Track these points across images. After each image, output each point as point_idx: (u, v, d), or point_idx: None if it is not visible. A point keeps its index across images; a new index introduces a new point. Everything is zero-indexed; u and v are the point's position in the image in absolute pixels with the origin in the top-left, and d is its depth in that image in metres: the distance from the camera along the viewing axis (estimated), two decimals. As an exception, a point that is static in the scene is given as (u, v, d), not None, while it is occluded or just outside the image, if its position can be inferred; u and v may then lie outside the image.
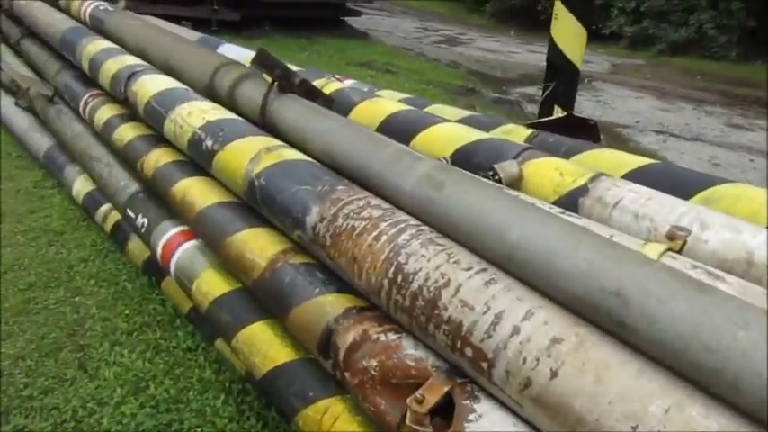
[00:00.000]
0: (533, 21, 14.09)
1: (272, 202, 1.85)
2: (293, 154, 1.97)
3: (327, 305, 1.62)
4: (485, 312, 1.21)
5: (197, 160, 2.34)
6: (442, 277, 1.32)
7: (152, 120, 2.66)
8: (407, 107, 2.70)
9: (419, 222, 1.53)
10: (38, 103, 4.34)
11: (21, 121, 4.47)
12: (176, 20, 8.89)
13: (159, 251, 2.45)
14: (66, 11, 4.63)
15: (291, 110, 2.17)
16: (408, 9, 17.93)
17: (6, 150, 4.42)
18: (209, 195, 2.24)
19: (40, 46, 4.86)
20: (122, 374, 2.24)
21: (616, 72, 10.87)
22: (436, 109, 3.12)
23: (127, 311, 2.62)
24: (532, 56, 10.89)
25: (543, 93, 5.65)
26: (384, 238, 1.48)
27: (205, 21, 10.44)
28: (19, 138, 4.41)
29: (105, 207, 3.21)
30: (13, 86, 5.53)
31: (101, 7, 4.15)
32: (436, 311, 1.29)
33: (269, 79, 2.30)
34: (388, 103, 2.77)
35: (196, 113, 2.36)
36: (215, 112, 2.33)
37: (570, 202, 1.82)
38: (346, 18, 12.20)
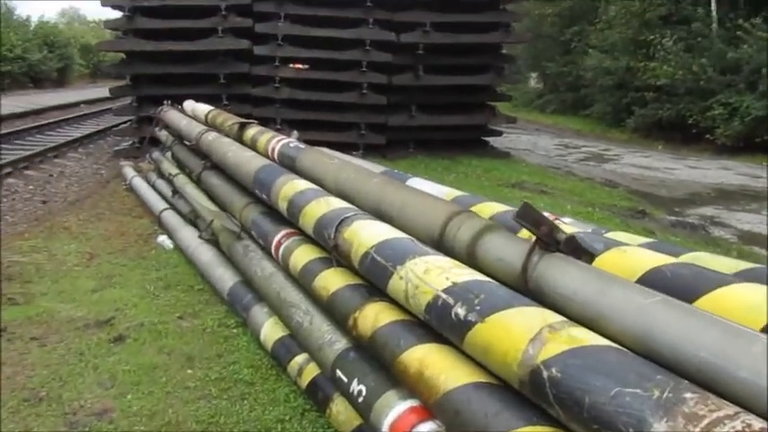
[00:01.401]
0: (683, 134, 13.36)
1: (576, 406, 1.43)
2: (590, 336, 1.56)
3: None
4: None
5: (439, 329, 1.99)
6: None
7: (371, 273, 2.40)
8: (671, 259, 2.25)
9: None
10: (222, 237, 4.38)
11: (204, 254, 4.51)
12: (326, 146, 9.23)
13: (385, 430, 2.08)
14: (251, 146, 4.78)
15: (568, 275, 1.79)
16: (543, 126, 17.87)
17: (189, 283, 4.43)
18: (458, 373, 1.87)
19: (224, 179, 5.03)
20: None
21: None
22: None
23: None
24: (694, 172, 10.12)
25: None
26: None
27: (352, 145, 10.87)
28: (201, 271, 4.42)
29: (300, 358, 2.95)
30: (191, 216, 5.77)
31: (291, 144, 4.18)
32: None
33: (524, 233, 1.97)
34: (642, 253, 2.33)
35: (435, 271, 2.05)
36: (460, 272, 2.01)
37: None
38: (487, 138, 12.19)
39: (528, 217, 1.90)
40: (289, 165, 3.96)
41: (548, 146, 13.80)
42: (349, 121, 10.92)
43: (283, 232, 3.46)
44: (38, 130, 11.92)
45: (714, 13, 13.64)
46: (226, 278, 4.05)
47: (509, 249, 2.02)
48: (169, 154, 7.62)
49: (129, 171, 7.74)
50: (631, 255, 2.32)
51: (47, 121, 13.08)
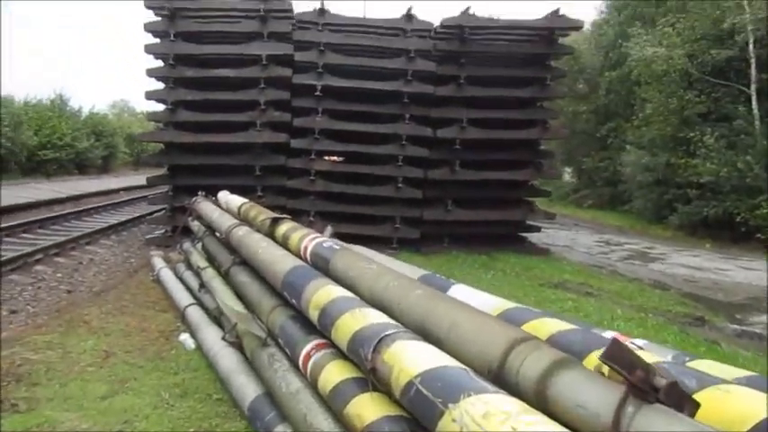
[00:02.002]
0: (731, 232, 12.79)
1: None
2: None
3: None
4: None
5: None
6: None
7: (416, 408, 2.01)
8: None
9: None
10: (247, 341, 4.02)
11: (226, 358, 4.14)
12: (360, 239, 8.99)
13: None
14: (283, 244, 4.52)
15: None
16: (581, 221, 17.47)
17: (207, 390, 4.04)
18: None
19: (253, 277, 4.75)
20: None
21: None
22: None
23: None
24: (750, 274, 9.51)
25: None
26: None
27: (386, 238, 10.63)
28: (222, 377, 4.04)
29: (328, 497, 2.51)
30: (216, 313, 5.47)
31: (325, 244, 3.90)
32: None
33: (607, 368, 1.58)
34: (748, 396, 1.90)
35: (496, 416, 1.65)
36: (530, 420, 1.60)
37: None
38: (525, 234, 11.83)
39: (619, 358, 1.52)
40: (322, 267, 3.65)
41: (588, 242, 13.34)
42: (384, 214, 10.75)
43: (313, 343, 3.11)
44: (75, 216, 12.03)
45: (756, 111, 13.43)
46: (248, 390, 3.65)
47: (592, 393, 1.63)
48: (200, 245, 7.45)
49: (157, 261, 7.56)
50: (737, 397, 1.89)
51: (85, 207, 13.25)
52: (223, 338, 4.40)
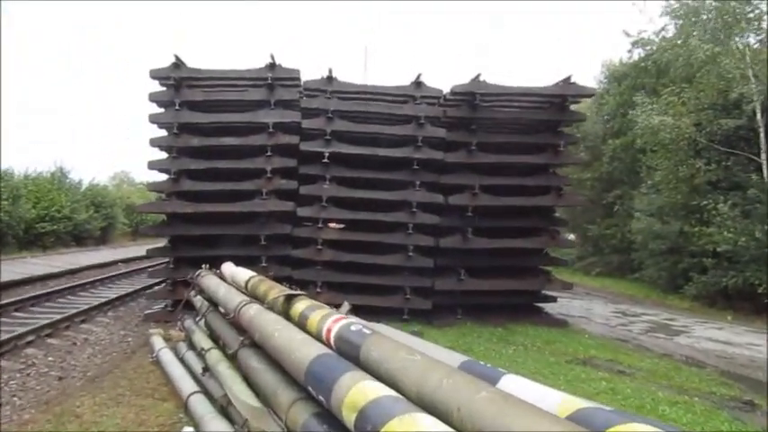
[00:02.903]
0: (754, 304, 12.30)
1: None
2: None
3: None
4: None
5: None
6: None
7: None
8: None
9: None
10: (261, 442, 3.51)
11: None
12: (369, 310, 8.47)
13: None
14: (300, 325, 4.05)
15: None
16: (591, 290, 16.96)
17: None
18: None
19: (267, 363, 4.25)
20: None
21: None
22: None
23: None
24: (785, 349, 8.95)
25: None
26: None
27: (397, 310, 10.11)
28: (232, 486, 3.50)
29: None
30: (224, 402, 4.92)
31: (352, 327, 3.43)
32: None
33: None
34: None
35: None
36: None
37: None
38: (541, 304, 11.33)
39: None
40: (351, 354, 3.18)
41: (604, 313, 12.80)
42: (394, 284, 10.27)
43: None
44: (70, 291, 11.49)
45: (768, 179, 13.22)
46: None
47: None
48: (203, 322, 6.95)
49: (156, 341, 7.02)
50: None
51: (80, 282, 12.73)
52: (233, 437, 3.87)
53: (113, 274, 14.62)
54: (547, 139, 10.49)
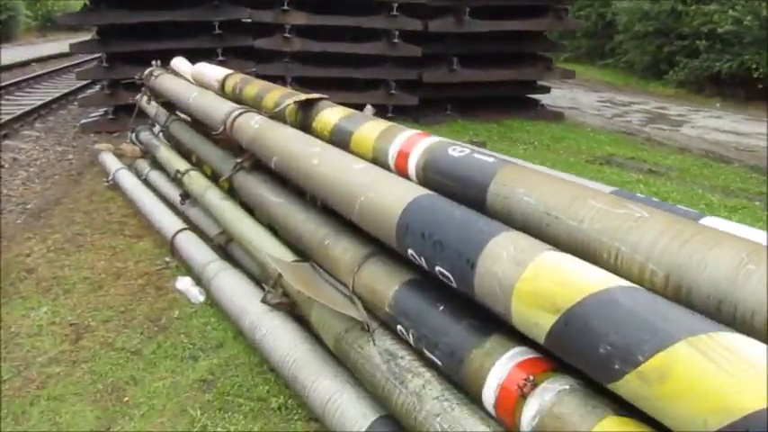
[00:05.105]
0: (746, 90, 11.64)
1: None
2: None
3: None
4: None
5: None
6: None
7: None
8: None
9: None
10: (320, 321, 2.44)
11: (280, 336, 2.57)
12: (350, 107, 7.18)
13: None
14: (339, 145, 2.79)
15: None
16: (566, 78, 15.91)
17: (259, 391, 2.53)
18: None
19: (288, 196, 3.05)
20: None
21: None
22: None
23: None
24: (799, 137, 8.41)
25: None
26: None
27: (379, 107, 8.83)
28: (282, 371, 2.49)
29: None
30: (221, 240, 3.79)
31: (454, 151, 2.19)
32: None
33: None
34: None
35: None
36: None
37: None
38: (534, 95, 10.26)
39: None
40: (468, 195, 2.01)
41: (591, 102, 11.94)
42: (375, 77, 8.85)
43: (518, 358, 1.61)
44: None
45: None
46: (348, 411, 2.14)
47: None
48: (164, 136, 5.56)
49: (108, 160, 5.63)
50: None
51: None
52: (264, 301, 2.81)
53: (29, 76, 12.33)
54: None
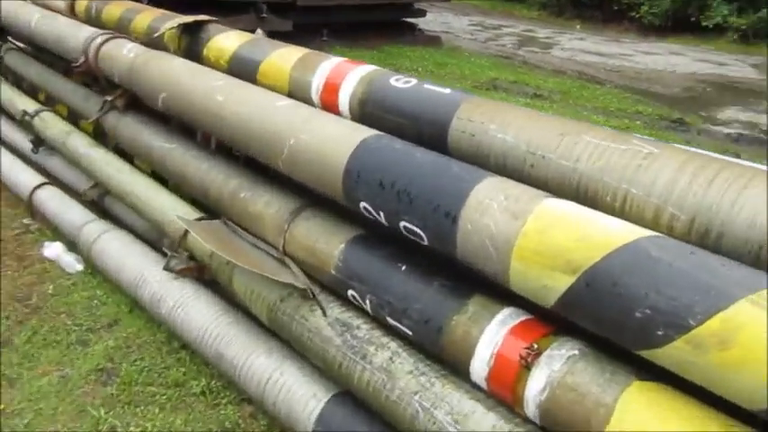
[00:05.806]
0: (602, 12, 12.18)
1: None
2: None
3: None
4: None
5: None
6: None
7: None
8: None
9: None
10: (247, 294, 2.06)
11: (193, 310, 2.17)
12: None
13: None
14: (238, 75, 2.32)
15: None
16: (433, 2, 15.74)
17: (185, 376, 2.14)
18: None
19: (182, 141, 2.54)
20: None
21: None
22: None
23: None
24: (657, 59, 8.94)
25: None
26: None
27: (250, 33, 8.07)
28: (186, 337, 2.11)
29: None
30: (94, 195, 3.18)
31: (396, 81, 1.86)
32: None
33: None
34: None
35: None
36: None
37: None
38: (410, 19, 9.97)
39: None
40: (429, 134, 1.71)
41: (463, 26, 11.89)
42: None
43: (510, 323, 1.40)
44: None
45: None
46: (294, 391, 1.83)
47: None
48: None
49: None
50: None
51: None
52: (167, 268, 2.35)
53: None
54: None
